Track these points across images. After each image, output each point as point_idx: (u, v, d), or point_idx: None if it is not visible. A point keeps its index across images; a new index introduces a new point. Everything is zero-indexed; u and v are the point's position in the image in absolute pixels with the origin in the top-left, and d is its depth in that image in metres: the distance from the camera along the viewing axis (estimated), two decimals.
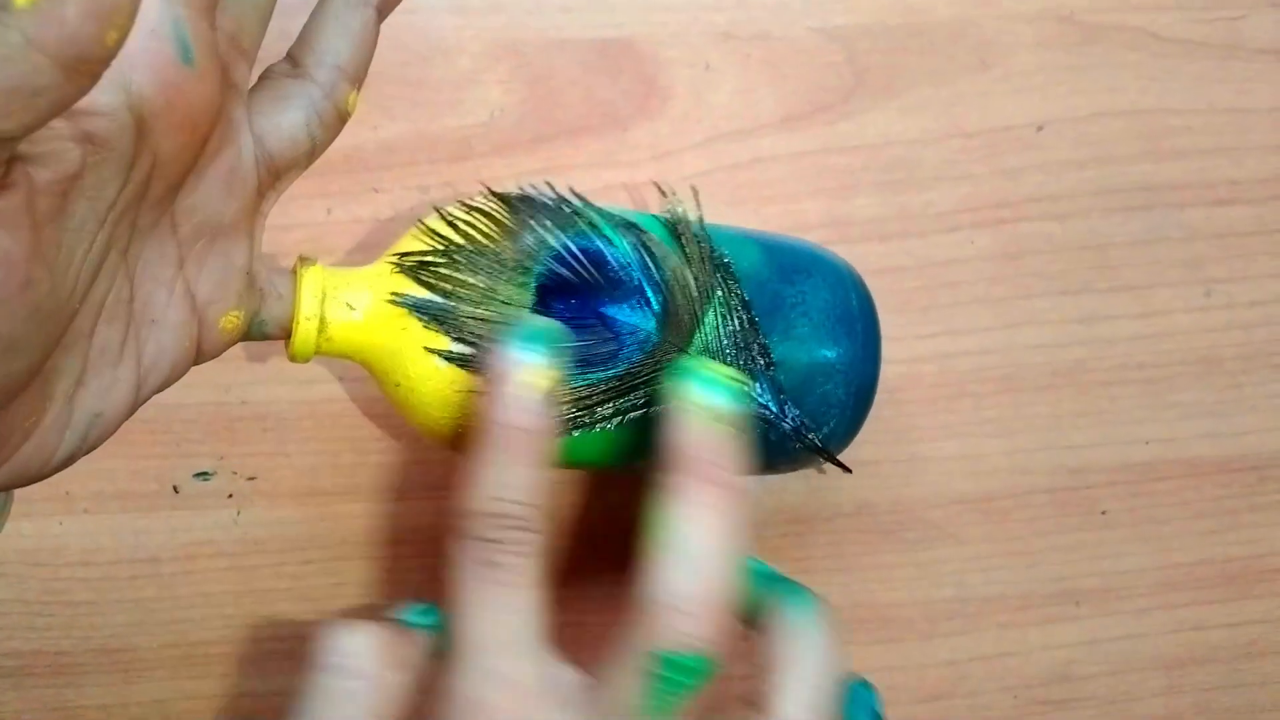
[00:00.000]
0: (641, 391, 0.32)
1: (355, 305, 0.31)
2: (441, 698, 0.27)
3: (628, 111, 0.42)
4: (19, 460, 0.24)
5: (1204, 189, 0.43)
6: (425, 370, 0.31)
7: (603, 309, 0.32)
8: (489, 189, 0.33)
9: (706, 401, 0.28)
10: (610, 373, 0.32)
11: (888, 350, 0.42)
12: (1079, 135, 0.43)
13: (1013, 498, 0.42)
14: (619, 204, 0.41)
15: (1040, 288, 0.43)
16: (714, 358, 0.32)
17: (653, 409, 0.32)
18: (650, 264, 0.32)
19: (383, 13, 0.29)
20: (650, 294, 0.32)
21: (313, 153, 0.29)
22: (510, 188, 0.33)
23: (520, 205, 0.32)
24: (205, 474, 0.40)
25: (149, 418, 0.39)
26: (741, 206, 0.42)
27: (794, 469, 0.36)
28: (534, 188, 0.33)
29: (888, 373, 0.42)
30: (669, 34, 0.42)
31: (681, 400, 0.28)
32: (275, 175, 0.29)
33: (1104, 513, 0.42)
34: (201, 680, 0.39)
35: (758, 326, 0.33)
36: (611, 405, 0.32)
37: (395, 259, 0.32)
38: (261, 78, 0.29)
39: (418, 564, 0.40)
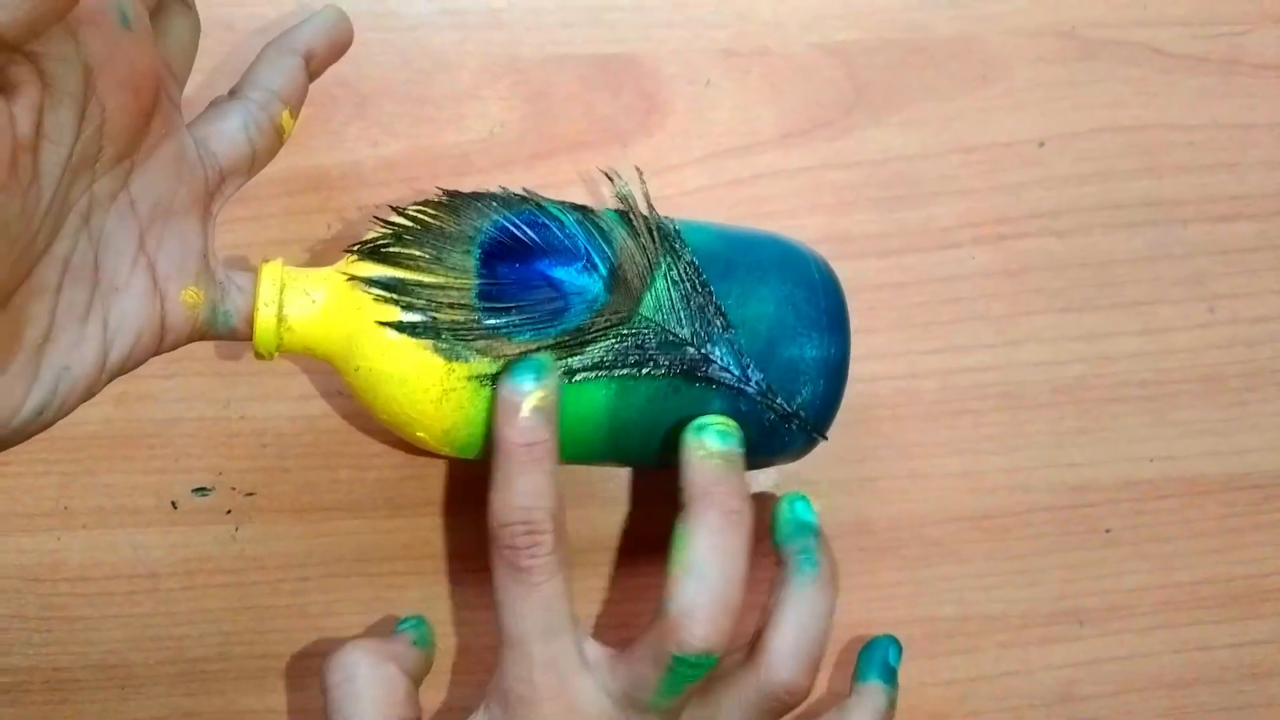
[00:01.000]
0: (593, 351, 0.33)
1: (314, 296, 0.33)
2: (497, 681, 0.33)
3: (628, 127, 0.42)
4: None
5: (1206, 205, 0.43)
6: (380, 346, 0.32)
7: (549, 271, 0.33)
8: (441, 189, 0.34)
9: (707, 443, 0.33)
10: (559, 328, 0.32)
11: (887, 366, 0.42)
12: (1080, 151, 0.43)
13: (1014, 515, 0.42)
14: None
15: (1041, 304, 0.42)
16: (666, 319, 0.33)
17: (612, 374, 0.33)
18: (596, 235, 0.33)
19: (309, 64, 0.34)
20: (597, 260, 0.33)
21: (253, 159, 0.33)
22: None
23: (468, 195, 0.34)
24: (204, 490, 0.40)
25: (148, 433, 0.39)
26: (742, 222, 0.41)
27: (771, 460, 0.36)
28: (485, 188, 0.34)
29: (888, 389, 0.42)
30: (670, 50, 0.42)
31: (687, 447, 0.33)
32: (221, 176, 0.32)
33: (1106, 531, 0.42)
34: (198, 697, 0.39)
35: (710, 290, 0.33)
36: (563, 364, 0.33)
37: (353, 247, 0.33)
38: (208, 107, 0.34)
39: (415, 580, 0.40)
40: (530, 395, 0.32)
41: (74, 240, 0.28)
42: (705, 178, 0.42)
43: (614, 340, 0.33)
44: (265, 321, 0.32)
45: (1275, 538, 0.42)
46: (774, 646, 0.33)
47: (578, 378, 0.33)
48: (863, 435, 0.41)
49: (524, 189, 0.34)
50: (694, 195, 0.42)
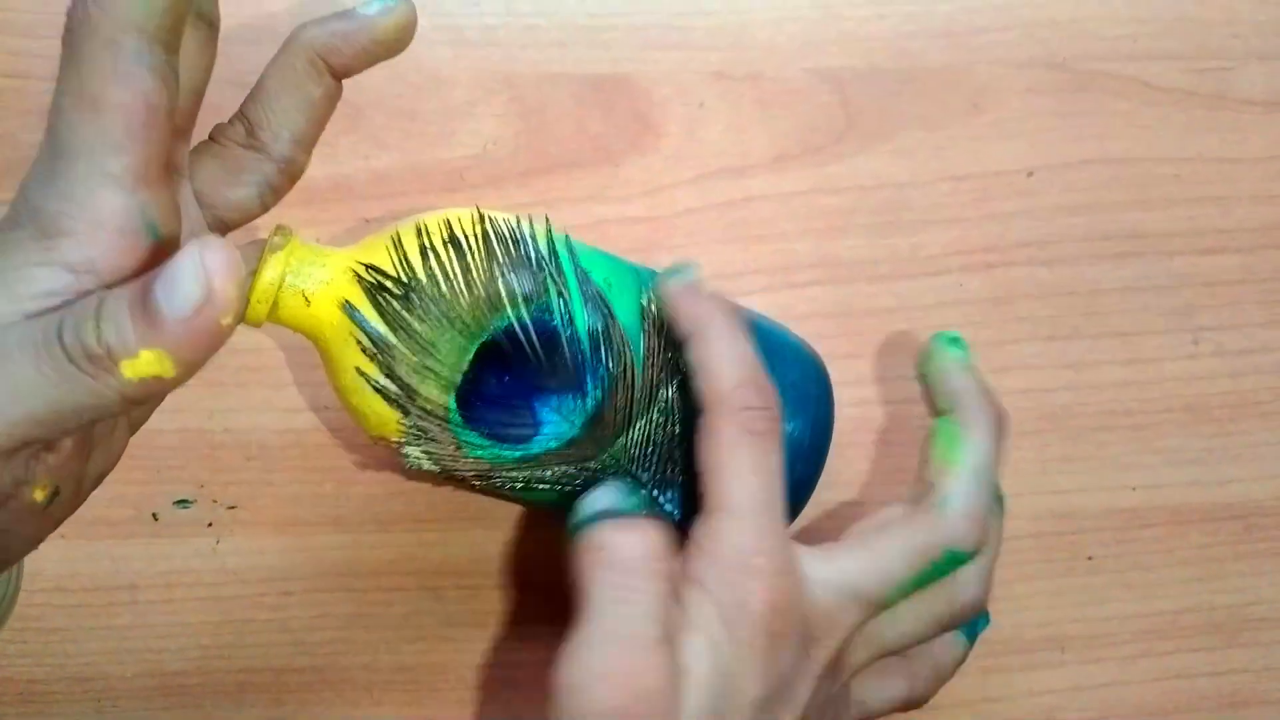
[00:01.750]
0: (548, 473, 0.32)
1: (310, 296, 0.30)
2: (710, 557, 0.30)
3: (620, 147, 0.42)
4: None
5: (1193, 237, 0.43)
6: (355, 384, 0.31)
7: (534, 395, 0.31)
8: (480, 212, 0.31)
9: (959, 357, 0.34)
10: (518, 454, 0.32)
11: (874, 392, 0.42)
12: (1069, 181, 0.43)
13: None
14: (610, 237, 0.41)
15: (1028, 332, 0.43)
16: (630, 464, 0.32)
17: (559, 489, 0.32)
18: (603, 354, 0.32)
19: (344, 76, 0.29)
20: (590, 387, 0.32)
21: (264, 211, 0.30)
22: (510, 215, 0.32)
23: (500, 251, 0.31)
24: (185, 502, 0.39)
25: (130, 443, 0.39)
26: (732, 244, 0.42)
27: None
28: (530, 223, 0.32)
29: (876, 414, 0.42)
30: (663, 72, 0.42)
31: (940, 356, 0.35)
32: (225, 229, 0.30)
33: (1090, 558, 0.42)
34: (175, 711, 0.39)
35: (678, 436, 0.32)
36: (516, 474, 0.32)
37: (361, 267, 0.30)
38: (214, 137, 0.29)
39: (399, 596, 0.40)
40: (700, 279, 0.32)
41: None
42: (696, 199, 0.42)
43: (570, 468, 0.32)
44: (255, 312, 0.30)
45: (1256, 567, 0.43)
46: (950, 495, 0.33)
47: (529, 487, 0.32)
48: (850, 460, 0.41)
49: (567, 239, 0.32)
50: (685, 216, 0.42)
